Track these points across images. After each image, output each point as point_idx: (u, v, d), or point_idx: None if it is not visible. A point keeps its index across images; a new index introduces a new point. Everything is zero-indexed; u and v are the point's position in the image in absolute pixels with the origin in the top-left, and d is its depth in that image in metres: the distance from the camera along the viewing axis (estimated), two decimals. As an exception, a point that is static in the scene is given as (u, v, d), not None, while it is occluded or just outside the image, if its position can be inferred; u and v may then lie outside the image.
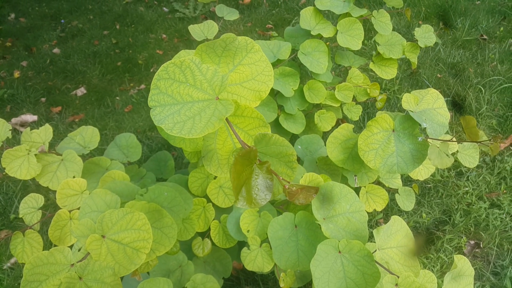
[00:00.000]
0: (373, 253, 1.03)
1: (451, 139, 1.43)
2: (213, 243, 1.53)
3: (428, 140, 1.31)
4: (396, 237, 1.11)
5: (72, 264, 0.98)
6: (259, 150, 0.89)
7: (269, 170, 0.79)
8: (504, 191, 2.54)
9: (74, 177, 1.38)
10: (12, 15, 5.24)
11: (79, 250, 1.03)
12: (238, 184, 0.77)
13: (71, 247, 1.04)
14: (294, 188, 0.81)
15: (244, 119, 0.92)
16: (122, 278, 1.39)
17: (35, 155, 1.37)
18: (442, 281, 1.06)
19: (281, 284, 1.31)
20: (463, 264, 1.04)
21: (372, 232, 1.14)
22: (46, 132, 1.43)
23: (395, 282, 1.00)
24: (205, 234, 1.55)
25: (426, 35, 1.90)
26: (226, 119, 0.86)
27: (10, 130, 1.38)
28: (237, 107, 0.92)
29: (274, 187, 0.89)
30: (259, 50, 0.92)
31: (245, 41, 0.92)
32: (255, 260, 1.36)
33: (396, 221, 1.12)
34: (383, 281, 0.99)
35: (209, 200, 1.54)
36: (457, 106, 3.14)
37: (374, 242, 1.09)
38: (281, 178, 0.84)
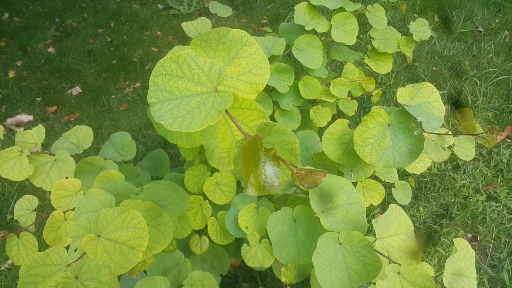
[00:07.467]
0: (373, 242, 1.03)
1: (447, 132, 1.43)
2: (210, 240, 1.53)
3: (424, 134, 1.31)
4: (395, 225, 1.11)
5: (68, 265, 0.98)
6: (262, 140, 0.89)
7: (276, 157, 0.80)
8: (501, 183, 2.54)
9: (66, 177, 1.37)
10: (6, 15, 5.21)
11: (75, 250, 1.03)
12: (247, 171, 0.79)
13: (67, 248, 1.03)
14: (303, 172, 0.81)
15: (243, 111, 0.92)
16: (119, 277, 1.39)
17: (28, 156, 1.36)
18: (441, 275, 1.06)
19: (283, 279, 1.31)
20: (463, 247, 1.04)
21: (371, 222, 1.14)
22: (39, 132, 1.42)
23: (398, 270, 1.00)
24: (202, 232, 1.54)
25: (421, 29, 1.89)
26: (226, 111, 0.86)
27: (2, 131, 1.37)
28: (235, 100, 0.92)
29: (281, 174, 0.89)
30: (254, 43, 0.92)
31: (239, 34, 0.92)
32: (255, 256, 1.36)
33: (394, 209, 1.13)
34: (385, 270, 1.00)
35: (205, 198, 1.53)
36: (453, 99, 3.14)
37: (373, 234, 1.10)
38: (288, 163, 0.84)
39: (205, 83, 0.82)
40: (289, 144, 0.90)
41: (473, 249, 2.27)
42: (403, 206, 2.44)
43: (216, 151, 0.97)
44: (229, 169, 0.99)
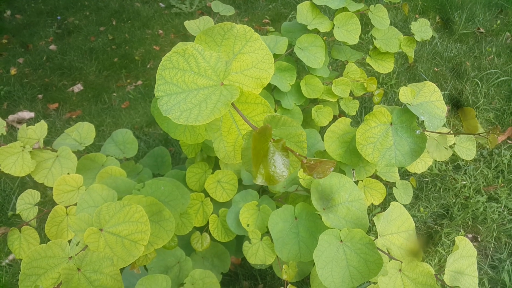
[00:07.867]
0: (374, 240, 1.04)
1: (449, 132, 1.43)
2: (211, 238, 1.53)
3: (426, 133, 1.31)
4: (396, 223, 1.11)
5: (70, 257, 0.98)
6: (269, 133, 0.89)
7: (285, 147, 0.80)
8: (502, 184, 2.54)
9: (68, 173, 1.37)
10: (8, 12, 5.21)
11: (77, 244, 1.03)
12: (256, 161, 0.79)
13: (68, 242, 1.03)
14: (312, 162, 0.81)
15: (248, 105, 0.92)
16: (121, 273, 1.39)
17: (30, 151, 1.36)
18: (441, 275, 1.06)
19: (284, 276, 1.31)
20: (464, 245, 1.04)
21: (372, 221, 1.14)
22: (41, 128, 1.42)
23: (399, 267, 1.01)
24: (203, 229, 1.55)
25: (423, 29, 1.89)
26: (233, 104, 0.86)
27: (4, 126, 1.38)
28: (241, 94, 0.92)
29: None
30: (258, 38, 0.92)
31: (244, 29, 0.92)
32: (257, 254, 1.36)
33: (395, 207, 1.13)
34: (387, 267, 1.00)
35: (207, 195, 1.53)
36: (454, 100, 3.14)
37: (374, 234, 1.10)
38: (297, 154, 0.84)
39: (212, 77, 0.82)
40: (296, 137, 0.90)
41: (473, 249, 2.27)
42: (404, 206, 2.44)
43: (222, 145, 0.97)
44: (235, 163, 0.99)
